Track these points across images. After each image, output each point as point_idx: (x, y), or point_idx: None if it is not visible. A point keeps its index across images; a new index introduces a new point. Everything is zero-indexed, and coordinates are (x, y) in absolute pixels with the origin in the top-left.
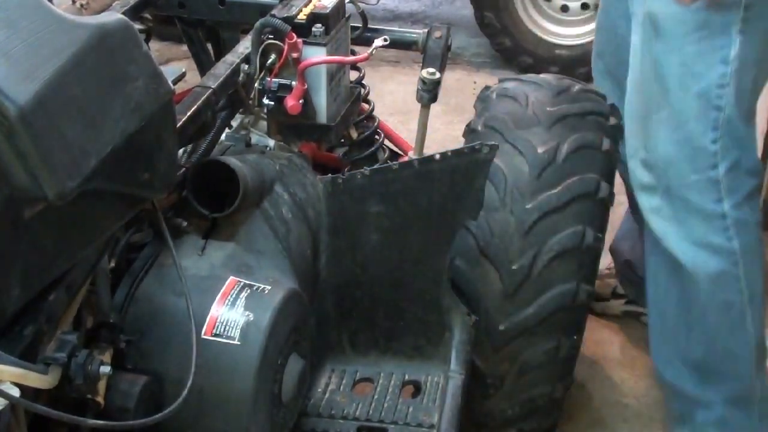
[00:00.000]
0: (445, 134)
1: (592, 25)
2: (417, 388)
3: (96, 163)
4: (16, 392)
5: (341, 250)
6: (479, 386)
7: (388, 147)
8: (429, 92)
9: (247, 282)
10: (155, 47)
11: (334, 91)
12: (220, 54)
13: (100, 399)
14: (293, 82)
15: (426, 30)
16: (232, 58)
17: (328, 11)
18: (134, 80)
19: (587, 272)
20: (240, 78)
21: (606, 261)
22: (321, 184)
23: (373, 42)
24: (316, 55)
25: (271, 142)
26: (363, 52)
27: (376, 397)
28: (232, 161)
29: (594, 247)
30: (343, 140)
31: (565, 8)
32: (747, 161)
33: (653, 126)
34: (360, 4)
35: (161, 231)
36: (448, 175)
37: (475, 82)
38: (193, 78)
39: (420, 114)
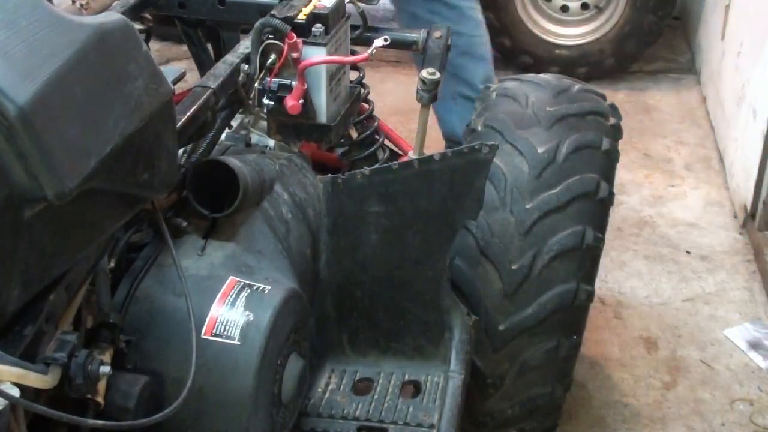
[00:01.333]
0: None
1: (592, 25)
2: (417, 388)
3: (96, 163)
4: (16, 392)
5: (341, 250)
6: (479, 386)
7: (388, 147)
8: (429, 92)
9: (247, 282)
10: (155, 47)
11: (334, 91)
12: (220, 54)
13: (100, 399)
14: (293, 82)
15: (426, 30)
16: (232, 58)
17: (327, 11)
18: (134, 80)
19: (587, 272)
20: (240, 78)
21: None
22: (321, 184)
23: (373, 42)
24: (316, 55)
25: (271, 142)
26: (363, 52)
27: (376, 397)
28: (232, 161)
29: (594, 246)
30: (343, 140)
31: (565, 8)
32: None
33: None
34: (360, 4)
35: (161, 231)
36: (448, 175)
37: None
38: (192, 77)
39: (420, 114)
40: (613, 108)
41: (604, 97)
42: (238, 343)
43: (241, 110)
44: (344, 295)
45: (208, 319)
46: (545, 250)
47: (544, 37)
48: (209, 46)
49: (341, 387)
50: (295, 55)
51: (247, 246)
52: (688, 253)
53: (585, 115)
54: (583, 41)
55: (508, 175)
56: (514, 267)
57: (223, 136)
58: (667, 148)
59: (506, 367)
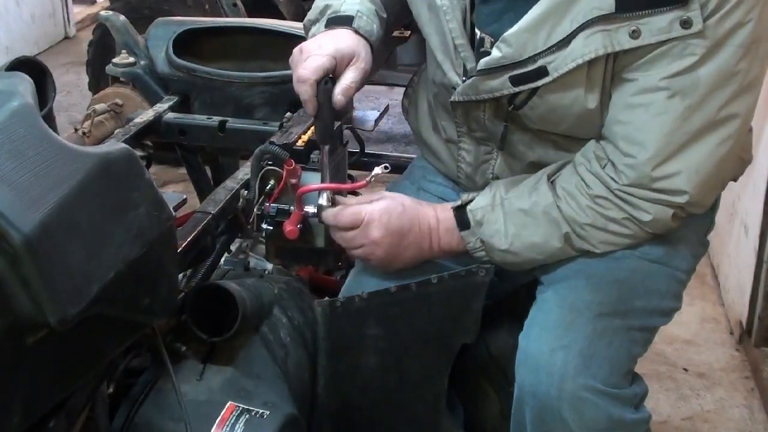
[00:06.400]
0: None
1: None
2: None
3: (98, 288)
4: None
5: (339, 374)
6: None
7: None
8: None
9: (246, 407)
10: (152, 171)
11: None
12: (218, 178)
13: None
14: (291, 207)
15: None
16: (231, 183)
17: None
18: (137, 207)
19: None
20: (239, 203)
21: None
22: (318, 308)
23: (373, 169)
24: (314, 181)
25: (269, 266)
26: (360, 177)
27: None
28: (231, 286)
29: None
30: (340, 263)
31: None
32: None
33: None
34: (357, 130)
35: (161, 356)
36: (446, 298)
37: None
38: (189, 197)
39: None
40: None
41: None
42: None
43: (240, 234)
44: (343, 419)
45: None
46: None
47: None
48: (208, 171)
49: None
50: (293, 181)
51: (245, 370)
52: (686, 370)
53: None
54: None
55: None
56: (511, 389)
57: (222, 261)
58: None
59: None
